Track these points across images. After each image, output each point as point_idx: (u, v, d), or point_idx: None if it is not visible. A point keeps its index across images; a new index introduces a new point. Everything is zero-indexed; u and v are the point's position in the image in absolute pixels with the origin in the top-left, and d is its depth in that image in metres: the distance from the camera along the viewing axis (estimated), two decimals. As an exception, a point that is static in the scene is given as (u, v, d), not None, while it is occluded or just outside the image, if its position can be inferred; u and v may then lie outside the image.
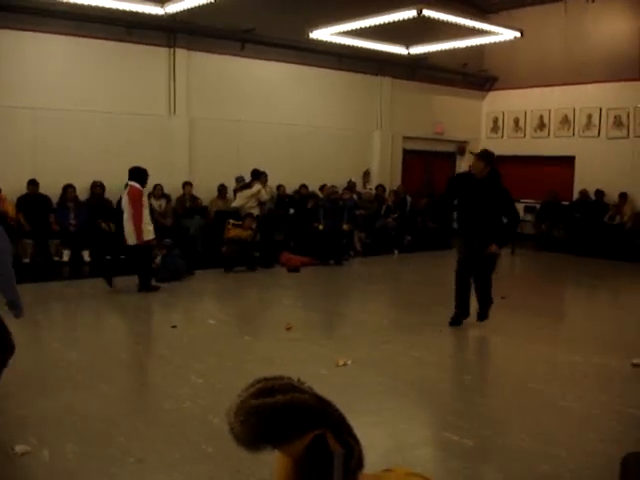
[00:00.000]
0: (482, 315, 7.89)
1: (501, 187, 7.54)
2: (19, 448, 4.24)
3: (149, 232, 9.53)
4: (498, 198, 7.48)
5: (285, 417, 1.95)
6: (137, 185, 9.34)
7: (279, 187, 14.49)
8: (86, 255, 11.95)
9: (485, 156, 7.52)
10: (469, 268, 7.74)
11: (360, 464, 2.08)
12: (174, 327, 7.64)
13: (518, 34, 13.54)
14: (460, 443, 4.52)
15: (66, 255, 11.79)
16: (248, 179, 12.98)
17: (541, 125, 17.88)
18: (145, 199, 9.62)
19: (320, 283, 11.39)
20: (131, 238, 9.39)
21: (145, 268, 9.69)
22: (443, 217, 15.52)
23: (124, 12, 11.56)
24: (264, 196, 12.84)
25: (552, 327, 8.54)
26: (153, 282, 9.82)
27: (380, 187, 16.22)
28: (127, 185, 9.60)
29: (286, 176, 14.71)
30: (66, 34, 12.10)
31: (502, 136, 18.79)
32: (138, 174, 9.40)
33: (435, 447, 4.62)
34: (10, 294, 4.67)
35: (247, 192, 12.68)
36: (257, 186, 12.72)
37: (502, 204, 7.53)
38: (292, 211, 14.26)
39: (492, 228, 7.48)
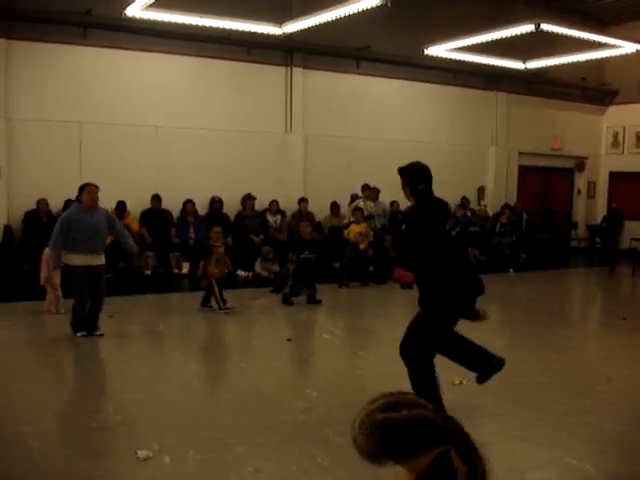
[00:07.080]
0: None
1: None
2: (141, 453, 4.38)
3: None
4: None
5: (410, 432, 1.96)
6: None
7: (392, 203, 14.45)
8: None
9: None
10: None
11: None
12: (289, 340, 7.77)
13: (640, 47, 13.05)
14: (581, 468, 4.38)
15: (185, 267, 12.19)
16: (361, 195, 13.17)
17: (664, 140, 17.15)
18: None
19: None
20: None
21: None
22: None
23: (244, 33, 11.90)
24: (365, 209, 12.87)
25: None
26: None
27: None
28: None
29: (400, 192, 14.60)
30: (187, 54, 12.61)
31: (623, 151, 18.11)
32: None
33: (554, 471, 4.48)
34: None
35: (352, 206, 12.90)
36: (358, 200, 12.94)
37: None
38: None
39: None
